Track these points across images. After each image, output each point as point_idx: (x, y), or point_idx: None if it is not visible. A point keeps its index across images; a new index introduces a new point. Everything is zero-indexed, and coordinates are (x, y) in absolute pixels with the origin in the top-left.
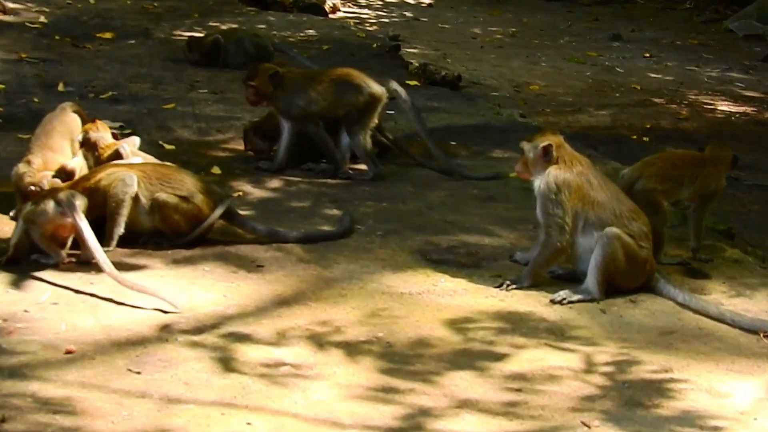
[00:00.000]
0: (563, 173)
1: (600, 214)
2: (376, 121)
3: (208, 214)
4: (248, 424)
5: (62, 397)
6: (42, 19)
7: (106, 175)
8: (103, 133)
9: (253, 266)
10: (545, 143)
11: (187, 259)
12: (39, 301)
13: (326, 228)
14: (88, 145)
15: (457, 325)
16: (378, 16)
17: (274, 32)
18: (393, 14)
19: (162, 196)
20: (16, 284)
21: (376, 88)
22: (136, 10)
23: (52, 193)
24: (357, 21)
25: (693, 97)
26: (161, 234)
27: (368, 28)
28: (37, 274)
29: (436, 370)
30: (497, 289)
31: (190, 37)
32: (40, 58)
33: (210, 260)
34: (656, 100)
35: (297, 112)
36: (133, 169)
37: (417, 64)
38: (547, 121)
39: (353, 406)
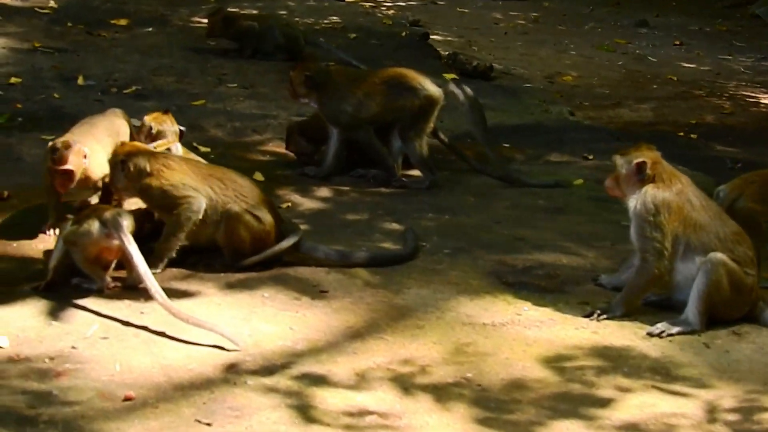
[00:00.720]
0: (661, 192)
1: (702, 238)
2: (431, 125)
3: (272, 240)
4: None
5: None
6: (52, 3)
7: (178, 185)
8: (171, 127)
9: (316, 292)
10: (639, 159)
11: (242, 284)
12: (86, 335)
13: (388, 245)
14: (149, 135)
15: (551, 362)
16: (394, 0)
17: (297, 19)
18: None
19: (235, 208)
20: (59, 315)
21: (433, 89)
22: None
23: (96, 211)
24: (373, 5)
25: (732, 89)
26: (214, 252)
27: (386, 12)
28: (81, 302)
29: (537, 419)
30: (587, 319)
31: (223, 13)
32: (55, 47)
33: (268, 284)
34: (696, 92)
35: (345, 119)
36: (209, 178)
37: (446, 54)
38: (588, 116)
39: None
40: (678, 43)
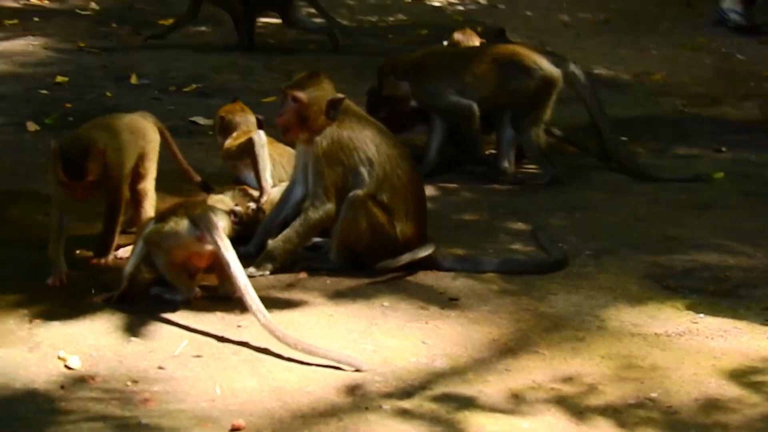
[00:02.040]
0: None
1: None
2: (549, 112)
3: (397, 245)
4: None
5: None
6: (93, 5)
7: None
8: (248, 116)
9: (444, 300)
10: None
11: (354, 292)
12: (175, 354)
13: (517, 247)
14: (226, 130)
15: (749, 378)
16: (450, 3)
17: (360, 17)
18: (466, 0)
19: (359, 194)
20: (139, 330)
21: (552, 69)
22: None
23: (186, 208)
24: (438, 5)
25: None
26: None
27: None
28: (164, 315)
29: None
30: None
31: None
32: (102, 47)
33: (385, 292)
34: None
35: (446, 104)
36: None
37: None
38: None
39: None
40: (764, 41)
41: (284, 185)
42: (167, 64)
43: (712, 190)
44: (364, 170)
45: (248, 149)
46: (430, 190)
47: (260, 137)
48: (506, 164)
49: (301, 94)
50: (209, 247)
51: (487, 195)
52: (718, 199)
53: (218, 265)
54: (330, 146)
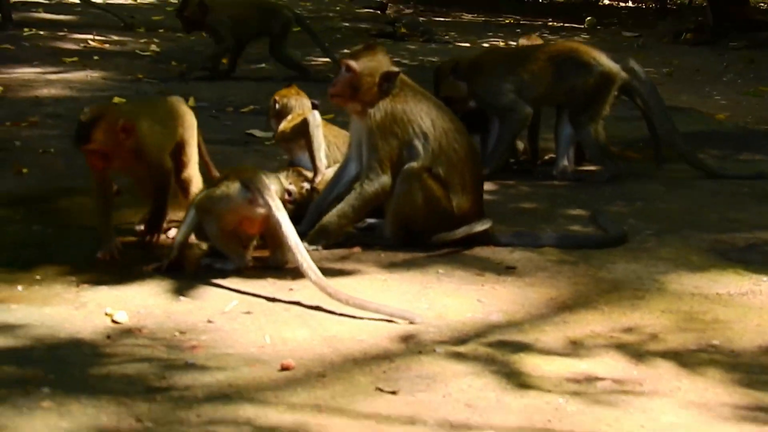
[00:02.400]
0: None
1: None
2: (608, 108)
3: (453, 219)
4: None
5: (294, 424)
6: (153, 47)
7: None
8: (303, 100)
9: (501, 268)
10: None
11: (409, 263)
12: (225, 311)
13: (577, 228)
14: (281, 113)
15: None
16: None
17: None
18: None
19: (415, 167)
20: (188, 292)
21: (611, 65)
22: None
23: (237, 173)
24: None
25: None
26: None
27: None
28: (215, 280)
29: None
30: None
31: None
32: (160, 77)
33: (441, 263)
34: None
35: (504, 102)
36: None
37: None
38: None
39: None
40: None
41: (338, 167)
42: (224, 91)
43: None
44: (419, 143)
45: (303, 129)
46: (487, 185)
47: (315, 117)
48: (565, 162)
49: (354, 64)
50: (261, 211)
51: (545, 189)
52: None
53: (270, 233)
54: (384, 119)
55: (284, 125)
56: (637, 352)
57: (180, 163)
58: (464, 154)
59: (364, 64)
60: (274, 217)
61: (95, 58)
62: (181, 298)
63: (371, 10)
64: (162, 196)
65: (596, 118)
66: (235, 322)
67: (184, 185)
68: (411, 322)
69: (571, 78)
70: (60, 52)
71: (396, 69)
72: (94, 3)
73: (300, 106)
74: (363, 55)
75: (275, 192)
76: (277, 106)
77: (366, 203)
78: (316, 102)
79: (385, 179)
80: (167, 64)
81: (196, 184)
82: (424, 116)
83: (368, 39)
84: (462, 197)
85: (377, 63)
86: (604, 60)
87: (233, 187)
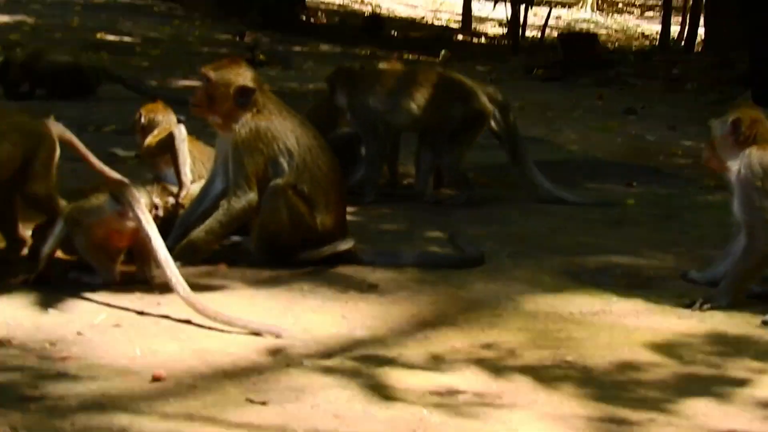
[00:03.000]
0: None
1: None
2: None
3: (317, 236)
4: None
5: None
6: None
7: None
8: (169, 115)
9: (364, 286)
10: (734, 116)
11: (274, 280)
12: (94, 323)
13: (436, 248)
14: (147, 128)
15: (663, 348)
16: None
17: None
18: None
19: (280, 183)
20: (57, 305)
21: (487, 104)
22: (117, 62)
23: (107, 186)
24: None
25: None
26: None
27: None
28: (83, 294)
29: (665, 397)
30: (689, 310)
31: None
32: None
33: (305, 280)
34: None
35: (373, 119)
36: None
37: None
38: None
39: None
40: (672, 126)
41: (203, 182)
42: (86, 110)
43: (622, 210)
44: (283, 160)
45: (169, 144)
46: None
47: (181, 132)
48: (426, 186)
49: (211, 73)
50: (131, 224)
51: (405, 211)
52: (628, 217)
53: (138, 247)
54: (248, 135)
55: (150, 140)
56: (495, 367)
57: (25, 177)
58: (328, 172)
59: (221, 74)
60: (144, 231)
61: None
62: (50, 310)
63: (229, 36)
64: None
65: (462, 148)
66: (104, 334)
67: (31, 202)
68: (277, 336)
69: (449, 108)
70: None
71: (251, 85)
72: None
73: (166, 121)
74: (222, 66)
75: (145, 205)
76: (142, 120)
77: (234, 220)
78: (181, 117)
79: (252, 196)
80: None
81: (48, 203)
82: (288, 133)
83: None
84: (326, 215)
85: (235, 76)
86: (483, 98)
87: (103, 200)
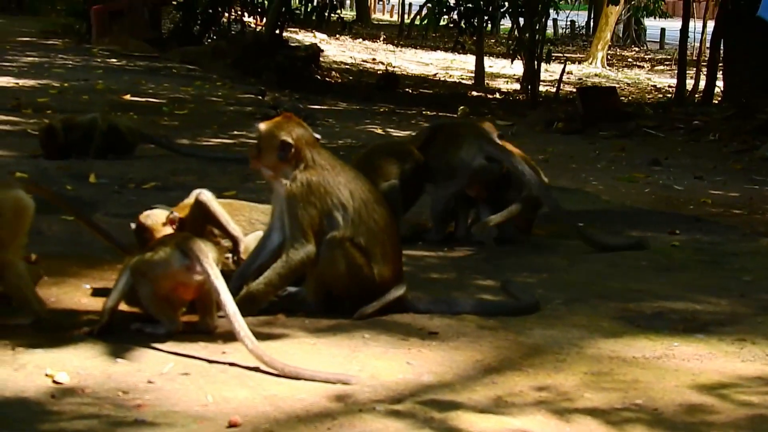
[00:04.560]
0: None
1: None
2: None
3: (375, 287)
4: None
5: None
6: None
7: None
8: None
9: (424, 333)
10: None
11: (334, 328)
12: (163, 372)
13: (489, 296)
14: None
15: (732, 390)
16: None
17: None
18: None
19: (336, 236)
20: (125, 354)
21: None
22: (146, 122)
23: (175, 239)
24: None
25: None
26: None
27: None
28: (149, 344)
29: None
30: (751, 354)
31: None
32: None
33: (365, 328)
34: (735, 211)
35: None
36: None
37: None
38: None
39: None
40: (699, 175)
41: (256, 234)
42: (124, 167)
43: (668, 256)
44: (338, 214)
45: (202, 212)
46: None
47: (205, 194)
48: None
49: (261, 127)
50: (198, 278)
51: (451, 260)
52: (675, 263)
53: (201, 299)
54: (299, 189)
55: (184, 217)
56: (565, 409)
57: None
58: (384, 224)
59: (268, 128)
60: (213, 285)
61: None
62: (118, 360)
63: (252, 95)
64: None
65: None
66: (174, 382)
67: None
68: (346, 383)
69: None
70: None
71: (290, 140)
72: None
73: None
74: (273, 121)
75: (213, 259)
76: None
77: (293, 271)
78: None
79: (311, 248)
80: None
81: (14, 270)
82: (342, 188)
83: (254, 121)
84: (383, 266)
85: (278, 130)
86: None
87: (172, 253)
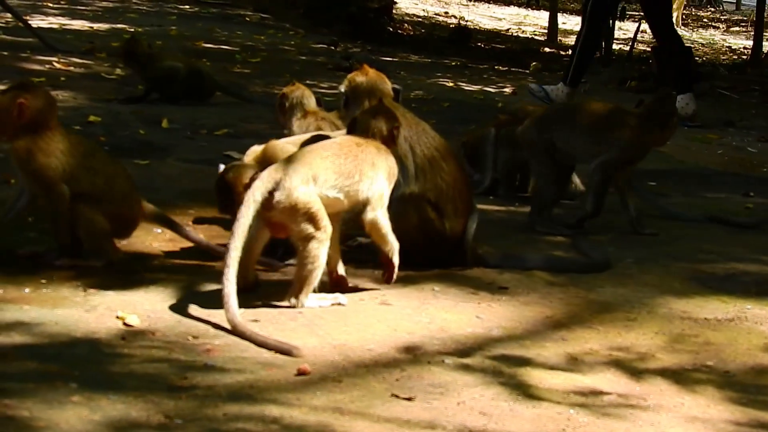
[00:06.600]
0: None
1: None
2: None
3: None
4: None
5: (320, 424)
6: (119, 71)
7: None
8: (307, 97)
9: (494, 288)
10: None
11: (403, 280)
12: None
13: (560, 253)
14: (284, 110)
15: None
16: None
17: None
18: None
19: (406, 191)
20: (196, 299)
21: None
22: (219, 69)
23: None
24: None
25: None
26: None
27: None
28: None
29: None
30: None
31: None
32: (132, 98)
33: (434, 280)
34: None
35: None
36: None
37: None
38: None
39: None
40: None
41: None
42: (195, 113)
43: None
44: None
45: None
46: None
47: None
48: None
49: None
50: None
51: (523, 216)
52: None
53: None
54: None
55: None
56: (636, 369)
57: None
58: (452, 180)
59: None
60: None
61: (62, 79)
62: (189, 304)
63: (324, 46)
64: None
65: None
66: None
67: None
68: (288, 355)
69: None
70: (27, 73)
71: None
72: (44, 38)
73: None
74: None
75: None
76: (289, 102)
77: None
78: (320, 98)
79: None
80: (134, 87)
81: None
82: (402, 143)
83: (326, 72)
84: (455, 221)
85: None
86: None
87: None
